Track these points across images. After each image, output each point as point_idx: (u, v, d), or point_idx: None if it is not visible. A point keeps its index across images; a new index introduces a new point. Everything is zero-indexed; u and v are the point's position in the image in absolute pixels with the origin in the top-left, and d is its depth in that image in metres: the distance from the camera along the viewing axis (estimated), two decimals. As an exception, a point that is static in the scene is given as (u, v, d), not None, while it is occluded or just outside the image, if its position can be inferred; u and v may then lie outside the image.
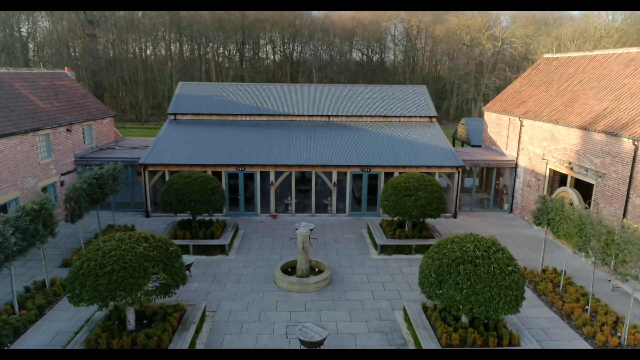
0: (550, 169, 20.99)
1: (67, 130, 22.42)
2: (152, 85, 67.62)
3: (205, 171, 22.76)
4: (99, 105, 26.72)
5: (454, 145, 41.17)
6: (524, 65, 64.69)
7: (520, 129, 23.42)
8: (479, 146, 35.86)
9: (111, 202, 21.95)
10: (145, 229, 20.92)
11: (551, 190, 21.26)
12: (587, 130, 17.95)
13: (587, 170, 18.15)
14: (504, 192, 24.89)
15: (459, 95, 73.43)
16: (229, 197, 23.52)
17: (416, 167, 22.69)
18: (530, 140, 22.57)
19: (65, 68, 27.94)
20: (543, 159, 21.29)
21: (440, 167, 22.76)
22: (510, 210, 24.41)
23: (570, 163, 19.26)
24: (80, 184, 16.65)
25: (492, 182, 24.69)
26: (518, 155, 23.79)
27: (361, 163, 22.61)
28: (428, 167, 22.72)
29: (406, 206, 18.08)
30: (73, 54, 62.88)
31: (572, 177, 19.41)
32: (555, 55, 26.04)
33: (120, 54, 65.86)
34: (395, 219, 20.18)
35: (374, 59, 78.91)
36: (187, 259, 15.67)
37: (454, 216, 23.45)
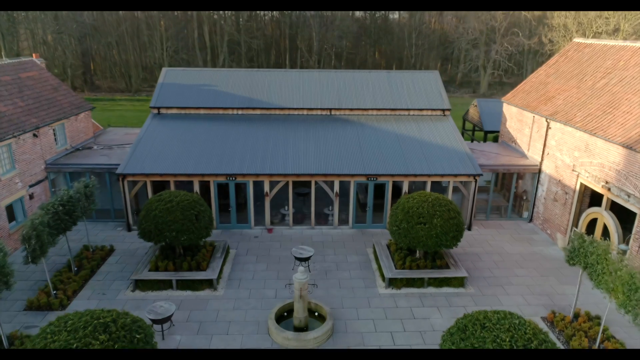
0: (581, 184, 18.51)
1: (34, 135, 19.78)
2: (142, 52, 63.65)
3: (192, 181, 20.36)
4: (72, 98, 23.87)
5: (464, 126, 38.42)
6: (540, 31, 60.44)
7: (547, 131, 20.72)
8: (493, 133, 33.20)
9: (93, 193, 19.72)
10: (126, 250, 18.78)
11: (580, 206, 18.87)
12: (633, 151, 15.34)
13: (629, 196, 15.69)
14: (524, 197, 22.50)
15: (468, 63, 69.43)
16: (220, 204, 21.19)
17: (428, 175, 20.20)
18: (558, 146, 19.93)
19: (34, 55, 24.84)
20: (573, 170, 18.76)
21: (456, 175, 20.26)
22: (530, 219, 22.11)
23: (607, 182, 16.77)
24: (40, 218, 14.27)
25: (512, 188, 22.22)
26: (542, 159, 21.22)
27: (367, 171, 20.10)
28: (442, 175, 20.22)
29: (419, 236, 15.79)
30: (54, 20, 58.45)
31: (608, 198, 16.97)
32: (588, 41, 22.87)
33: (107, 17, 61.39)
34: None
35: (378, 17, 73.74)
36: (166, 308, 13.57)
37: (469, 228, 21.20)
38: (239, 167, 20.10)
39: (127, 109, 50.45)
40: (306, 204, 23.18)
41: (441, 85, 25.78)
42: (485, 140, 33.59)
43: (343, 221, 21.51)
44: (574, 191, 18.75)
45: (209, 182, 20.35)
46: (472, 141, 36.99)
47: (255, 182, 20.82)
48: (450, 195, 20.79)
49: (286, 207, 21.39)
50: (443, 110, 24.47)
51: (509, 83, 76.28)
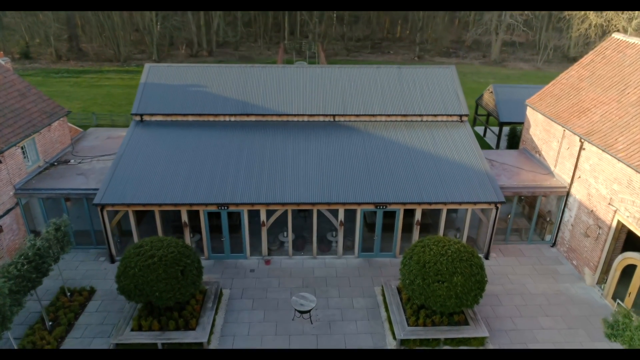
0: (618, 221, 16.35)
1: (-2, 160, 17.44)
2: (130, 16, 59.30)
3: (179, 211, 18.24)
4: (44, 103, 21.18)
5: (476, 112, 35.61)
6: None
7: (580, 151, 18.29)
8: (510, 124, 30.56)
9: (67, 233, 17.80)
10: (108, 290, 16.96)
11: (615, 244, 16.81)
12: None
13: (681, 254, 13.60)
14: (547, 219, 20.39)
15: (479, 27, 65.05)
16: (212, 224, 19.12)
17: (444, 203, 18.00)
18: (593, 172, 17.58)
19: (-2, 53, 21.87)
20: (610, 204, 16.54)
21: (475, 203, 18.07)
22: (554, 244, 20.13)
23: (653, 230, 14.64)
24: (-1, 288, 12.27)
25: (535, 211, 20.04)
26: (572, 182, 18.92)
27: (375, 199, 17.87)
28: (459, 203, 18.02)
29: (436, 295, 13.86)
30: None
31: (652, 245, 14.91)
32: (631, 40, 19.90)
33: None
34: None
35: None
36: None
37: (486, 257, 19.27)
38: (232, 193, 17.87)
39: (115, 84, 47.22)
40: (307, 222, 21.15)
41: (458, 85, 22.98)
42: (500, 131, 31.02)
43: (348, 248, 19.54)
44: (609, 228, 16.62)
45: (198, 211, 18.21)
46: (485, 133, 34.40)
47: (250, 211, 18.63)
48: (467, 222, 18.72)
49: (285, 234, 19.35)
50: (460, 115, 21.84)
51: (522, 49, 72.09)
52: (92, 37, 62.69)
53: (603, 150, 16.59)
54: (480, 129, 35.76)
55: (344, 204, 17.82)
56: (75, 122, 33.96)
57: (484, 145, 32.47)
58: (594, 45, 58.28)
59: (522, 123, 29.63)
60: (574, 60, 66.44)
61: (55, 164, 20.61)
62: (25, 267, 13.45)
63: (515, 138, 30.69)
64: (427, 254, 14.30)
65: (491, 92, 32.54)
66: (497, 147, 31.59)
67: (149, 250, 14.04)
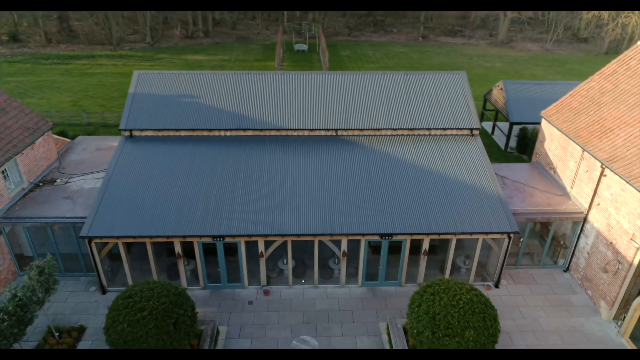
0: (641, 259, 15.32)
1: (-24, 190, 16.25)
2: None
3: (172, 242, 17.20)
4: (26, 118, 19.78)
5: (484, 107, 34.05)
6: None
7: (600, 177, 17.06)
8: (519, 124, 29.14)
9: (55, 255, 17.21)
10: (99, 328, 16.09)
11: (635, 282, 15.82)
12: None
13: None
14: (561, 242, 19.35)
15: (487, 5, 62.17)
16: (208, 248, 18.10)
17: (453, 234, 16.91)
18: (614, 202, 16.40)
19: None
20: (632, 240, 15.44)
21: (487, 233, 16.98)
22: (567, 268, 19.16)
23: (681, 277, 13.59)
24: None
25: (549, 237, 18.96)
26: (590, 208, 17.78)
27: (381, 229, 16.76)
28: (470, 233, 16.93)
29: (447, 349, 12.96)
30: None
31: (678, 291, 13.90)
32: (659, 51, 18.34)
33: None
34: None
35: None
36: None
37: (496, 285, 18.34)
38: (228, 223, 16.75)
39: (108, 71, 45.35)
40: (308, 244, 20.12)
41: (468, 93, 21.50)
42: (509, 131, 29.65)
43: (351, 275, 18.59)
44: (630, 265, 15.58)
45: (192, 242, 17.16)
46: (493, 130, 32.95)
47: (247, 242, 17.54)
48: (478, 251, 17.70)
49: (285, 261, 18.37)
50: (471, 129, 20.48)
51: (530, 27, 69.46)
52: (83, 14, 60.16)
53: (627, 182, 15.36)
54: (487, 124, 34.30)
55: (347, 234, 16.74)
56: (65, 119, 32.55)
57: (492, 144, 31.13)
58: (607, 29, 55.88)
59: (533, 123, 28.27)
60: (585, 41, 64.03)
61: (41, 184, 19.42)
62: (6, 323, 12.50)
63: (525, 139, 29.37)
64: (437, 303, 13.34)
65: (501, 88, 30.94)
66: (506, 148, 30.28)
67: (139, 302, 13.07)
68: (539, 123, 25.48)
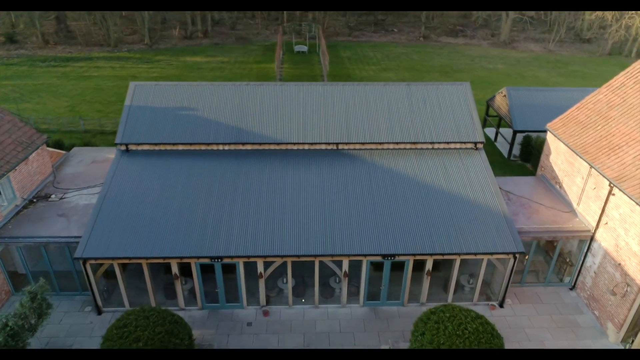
0: (651, 283, 14.90)
1: (-33, 210, 15.79)
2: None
3: (169, 264, 16.77)
4: (20, 132, 19.30)
5: (487, 113, 33.54)
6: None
7: (608, 196, 16.62)
8: (523, 132, 28.64)
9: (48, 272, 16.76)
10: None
11: (645, 305, 15.43)
12: None
13: None
14: (567, 259, 18.93)
15: (489, 5, 61.54)
16: (206, 266, 17.69)
17: (457, 254, 16.49)
18: (623, 222, 15.96)
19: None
20: (642, 263, 15.03)
21: (492, 253, 16.56)
22: (573, 287, 18.76)
23: (693, 305, 13.18)
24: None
25: (555, 255, 18.53)
26: (597, 226, 17.34)
27: (383, 249, 16.33)
28: (474, 254, 16.51)
29: (451, 382, 12.57)
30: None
31: (690, 319, 13.49)
32: (669, 65, 17.84)
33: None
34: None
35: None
36: None
37: (501, 305, 17.94)
38: (226, 243, 16.32)
39: (105, 74, 44.79)
40: (308, 272, 19.59)
41: (472, 105, 21.02)
42: (513, 139, 29.18)
43: (352, 294, 18.18)
44: (639, 289, 15.20)
45: (190, 264, 16.73)
46: (495, 137, 32.47)
47: (246, 262, 17.10)
48: (482, 271, 17.29)
49: (284, 280, 17.95)
50: (475, 143, 20.02)
51: (532, 26, 68.85)
52: (80, 14, 59.51)
53: (637, 204, 14.91)
54: (489, 130, 33.81)
55: (348, 255, 16.32)
56: (61, 126, 32.06)
57: (495, 152, 30.66)
58: (610, 30, 55.25)
59: (537, 131, 27.79)
60: (588, 42, 63.40)
61: (35, 200, 18.97)
62: (-4, 355, 12.09)
63: (529, 147, 28.90)
64: (442, 332, 12.93)
65: (504, 95, 30.43)
66: (509, 156, 29.81)
67: (134, 332, 12.66)
68: (543, 131, 24.99)
